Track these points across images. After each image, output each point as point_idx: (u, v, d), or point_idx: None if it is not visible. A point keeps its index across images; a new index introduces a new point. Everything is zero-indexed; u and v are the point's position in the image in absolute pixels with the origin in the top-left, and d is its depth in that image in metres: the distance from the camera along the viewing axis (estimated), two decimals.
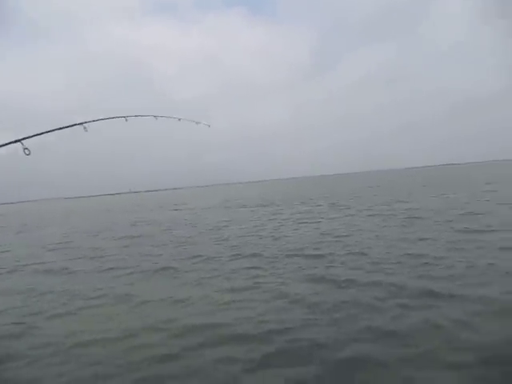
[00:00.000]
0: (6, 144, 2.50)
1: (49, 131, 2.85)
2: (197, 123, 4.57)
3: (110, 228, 16.96)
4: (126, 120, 3.35)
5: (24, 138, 2.46)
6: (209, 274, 6.13)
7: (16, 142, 2.53)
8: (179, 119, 4.22)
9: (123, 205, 46.48)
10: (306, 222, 12.81)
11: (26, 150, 2.46)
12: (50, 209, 57.56)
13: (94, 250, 10.27)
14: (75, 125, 2.85)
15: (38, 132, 2.90)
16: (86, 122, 2.88)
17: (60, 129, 2.80)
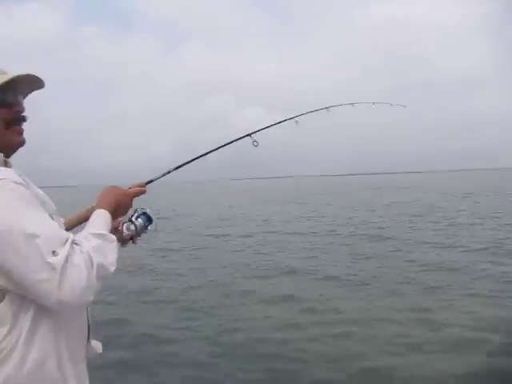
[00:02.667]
0: (237, 139, 2.60)
1: (268, 126, 2.72)
2: (391, 105, 4.26)
3: None
4: (328, 111, 3.11)
5: (253, 132, 2.57)
6: None
7: (245, 136, 2.62)
8: (373, 103, 3.98)
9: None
10: None
11: (254, 143, 2.43)
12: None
13: None
14: (288, 119, 2.62)
15: (264, 126, 2.97)
16: (298, 116, 2.65)
17: (278, 123, 2.59)
